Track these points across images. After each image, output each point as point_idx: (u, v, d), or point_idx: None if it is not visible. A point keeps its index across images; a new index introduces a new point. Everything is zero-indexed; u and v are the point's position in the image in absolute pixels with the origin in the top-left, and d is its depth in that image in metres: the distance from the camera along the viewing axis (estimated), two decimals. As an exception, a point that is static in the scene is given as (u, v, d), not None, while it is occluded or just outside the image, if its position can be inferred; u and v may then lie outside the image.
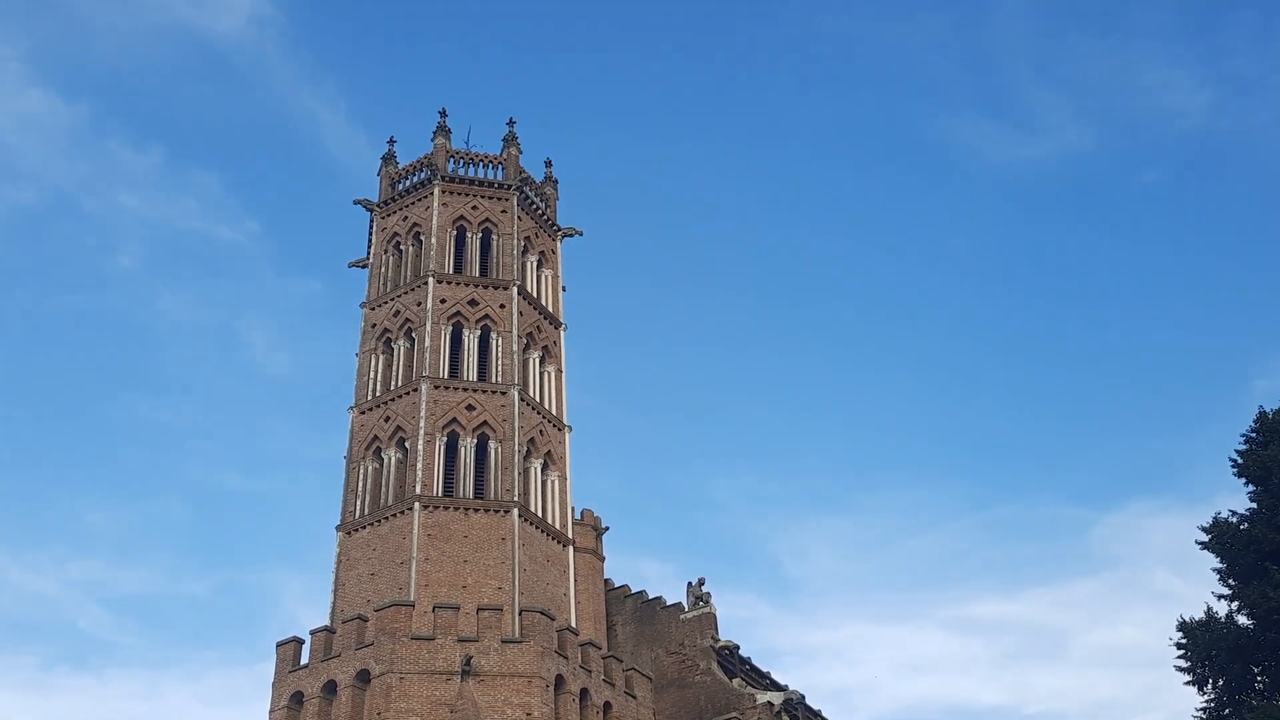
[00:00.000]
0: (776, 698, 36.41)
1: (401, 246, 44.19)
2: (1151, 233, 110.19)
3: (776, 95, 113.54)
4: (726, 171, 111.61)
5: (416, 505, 36.36)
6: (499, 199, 44.59)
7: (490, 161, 45.56)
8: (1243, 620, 28.73)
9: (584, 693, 33.76)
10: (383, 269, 43.99)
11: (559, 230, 46.75)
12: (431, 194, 44.30)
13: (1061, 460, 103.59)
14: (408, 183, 45.55)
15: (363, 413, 40.21)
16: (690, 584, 39.92)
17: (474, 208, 44.24)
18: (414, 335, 41.15)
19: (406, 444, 38.51)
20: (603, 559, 41.69)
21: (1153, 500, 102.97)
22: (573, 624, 36.80)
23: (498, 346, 40.84)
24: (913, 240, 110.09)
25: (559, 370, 42.92)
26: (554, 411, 41.62)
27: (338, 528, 38.00)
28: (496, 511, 36.83)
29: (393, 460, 38.70)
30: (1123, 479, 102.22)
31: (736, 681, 37.37)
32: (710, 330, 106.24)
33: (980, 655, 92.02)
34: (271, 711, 33.21)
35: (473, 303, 41.64)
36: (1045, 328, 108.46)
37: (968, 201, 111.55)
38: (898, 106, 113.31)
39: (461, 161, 45.34)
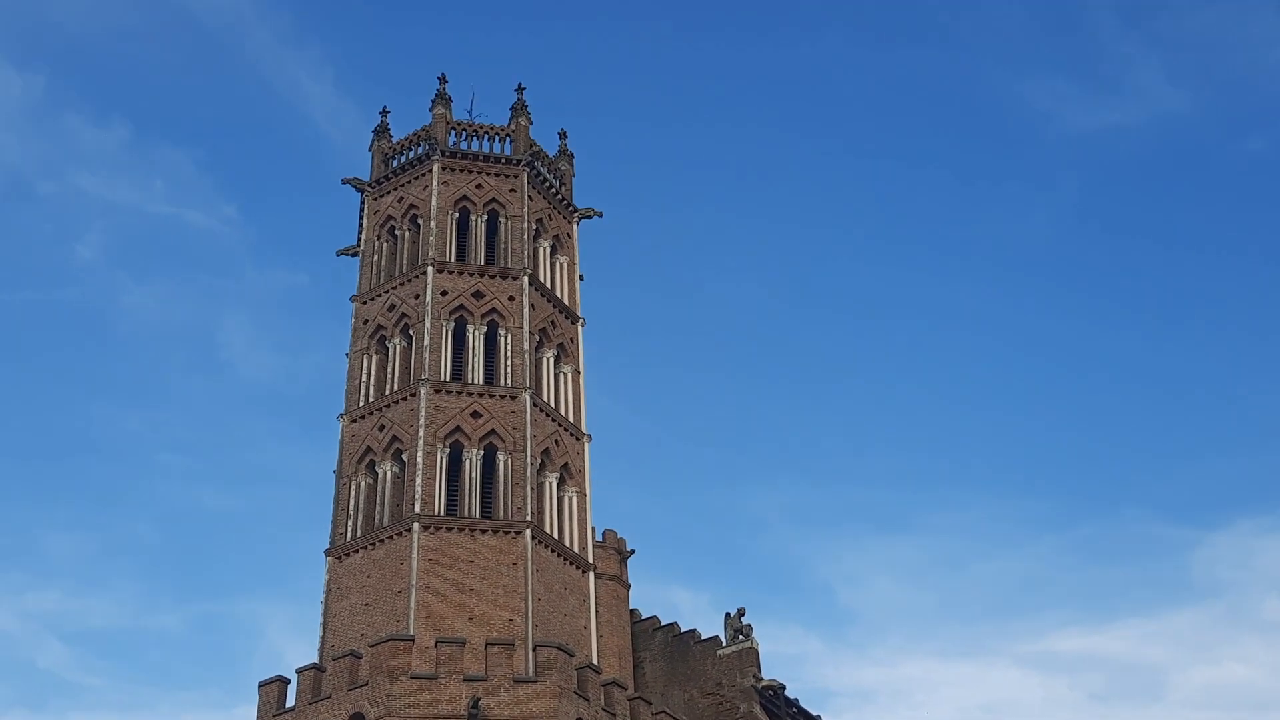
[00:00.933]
0: (828, 745, 36.28)
1: (396, 231, 44.39)
2: (1257, 209, 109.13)
3: (824, 53, 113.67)
4: (766, 144, 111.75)
5: (415, 526, 36.47)
6: (507, 176, 44.80)
7: (496, 134, 45.80)
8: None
9: (608, 739, 33.84)
10: (375, 257, 44.20)
11: (575, 211, 46.96)
12: (430, 171, 44.50)
13: (1158, 471, 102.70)
14: (403, 159, 45.82)
15: (354, 421, 40.41)
16: (728, 615, 39.93)
17: (478, 186, 44.45)
18: (411, 332, 41.29)
19: (404, 456, 38.64)
20: (628, 586, 41.90)
21: (1264, 518, 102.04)
22: (594, 660, 36.76)
23: (506, 345, 40.97)
24: (981, 220, 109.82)
25: (577, 371, 43.06)
26: (571, 418, 41.74)
27: (327, 552, 38.14)
28: (506, 533, 36.93)
29: (388, 475, 38.89)
30: (1229, 494, 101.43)
31: (782, 726, 37.37)
32: (750, 325, 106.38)
33: (1063, 697, 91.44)
34: (253, 760, 33.38)
35: (478, 295, 41.79)
36: (1136, 319, 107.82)
37: (1044, 174, 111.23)
38: (962, 67, 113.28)
39: (464, 134, 45.54)
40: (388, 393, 40.53)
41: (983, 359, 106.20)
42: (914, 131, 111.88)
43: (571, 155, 48.47)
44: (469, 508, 37.56)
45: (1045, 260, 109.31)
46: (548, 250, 44.93)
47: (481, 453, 38.69)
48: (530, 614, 35.54)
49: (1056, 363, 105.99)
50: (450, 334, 40.97)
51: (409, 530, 36.57)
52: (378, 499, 38.69)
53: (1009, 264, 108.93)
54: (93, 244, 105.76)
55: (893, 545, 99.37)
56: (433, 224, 43.09)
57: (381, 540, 37.13)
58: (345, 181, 46.30)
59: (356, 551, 37.50)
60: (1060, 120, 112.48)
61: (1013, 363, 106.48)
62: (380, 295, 42.87)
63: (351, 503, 38.82)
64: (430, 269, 41.90)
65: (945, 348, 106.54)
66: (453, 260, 42.66)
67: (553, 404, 41.41)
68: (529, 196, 44.66)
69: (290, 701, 33.33)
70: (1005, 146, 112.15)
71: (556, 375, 42.46)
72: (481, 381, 40.13)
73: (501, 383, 40.18)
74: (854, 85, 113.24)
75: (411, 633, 33.68)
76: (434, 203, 43.57)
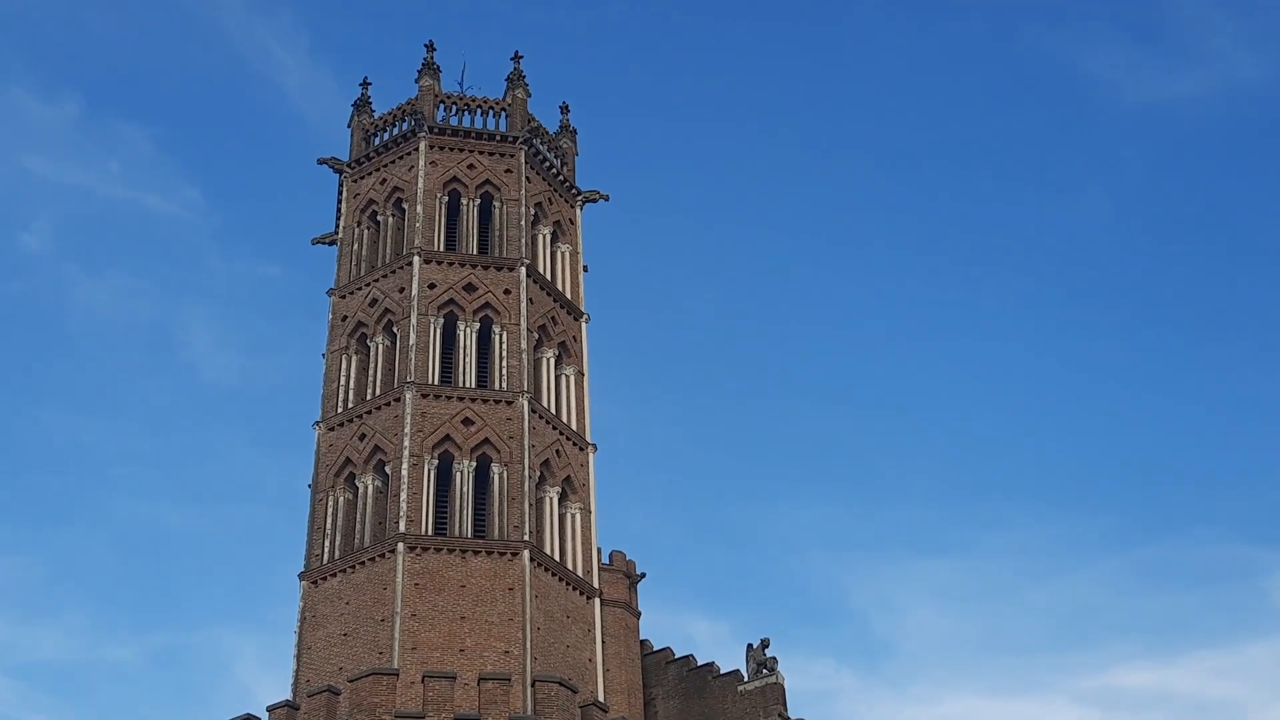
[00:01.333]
0: (862, 792, 35.76)
1: (379, 217, 44.09)
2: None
3: (860, 20, 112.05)
4: (794, 112, 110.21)
5: (400, 546, 36.28)
6: (502, 155, 44.55)
7: (490, 108, 45.58)
8: None
9: (616, 788, 33.84)
10: (355, 246, 43.98)
11: (579, 194, 46.70)
12: (416, 150, 44.23)
13: (1233, 486, 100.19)
14: (386, 136, 45.69)
15: (331, 429, 40.20)
16: (750, 647, 39.76)
17: (470, 166, 44.11)
18: (395, 330, 40.93)
19: (387, 468, 38.37)
20: (638, 614, 41.84)
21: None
22: (600, 697, 36.68)
23: (502, 343, 40.59)
24: (1034, 205, 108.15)
25: (580, 373, 42.76)
26: (574, 426, 41.44)
27: (301, 575, 37.97)
28: (502, 554, 36.70)
29: (370, 489, 38.59)
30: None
31: (811, 771, 36.75)
32: (776, 322, 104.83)
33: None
34: (219, 811, 32.82)
35: (470, 288, 41.40)
36: (1206, 309, 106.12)
37: (1106, 149, 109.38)
38: (1015, 31, 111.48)
39: (454, 108, 45.50)
40: (369, 397, 40.24)
41: (1036, 361, 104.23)
42: (959, 108, 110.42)
43: (574, 131, 48.24)
44: (460, 526, 37.35)
45: (1105, 249, 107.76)
46: (548, 238, 44.59)
47: (474, 464, 38.44)
48: (529, 645, 35.33)
49: (1119, 364, 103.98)
50: (439, 332, 40.66)
51: (393, 551, 36.41)
52: (358, 516, 38.52)
53: (1064, 254, 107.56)
54: (40, 232, 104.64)
55: (935, 568, 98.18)
56: (419, 208, 42.73)
57: (362, 562, 36.98)
58: (321, 161, 46.14)
59: (334, 575, 37.34)
60: (1122, 91, 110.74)
61: (1069, 365, 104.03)
62: (361, 288, 42.65)
63: (329, 521, 38.69)
64: (416, 259, 41.54)
65: (994, 348, 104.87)
66: (441, 249, 42.39)
67: (553, 410, 41.09)
68: (526, 178, 44.44)
69: (260, 744, 33.42)
70: (1060, 122, 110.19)
71: (558, 377, 42.16)
72: (474, 385, 39.88)
73: (496, 386, 39.88)
74: (891, 57, 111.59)
75: (396, 666, 33.70)
76: (420, 185, 43.31)
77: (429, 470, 37.84)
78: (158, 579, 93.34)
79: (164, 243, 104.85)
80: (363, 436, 39.20)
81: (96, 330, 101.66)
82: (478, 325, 40.87)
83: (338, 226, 45.16)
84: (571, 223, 45.88)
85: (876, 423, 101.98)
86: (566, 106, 48.51)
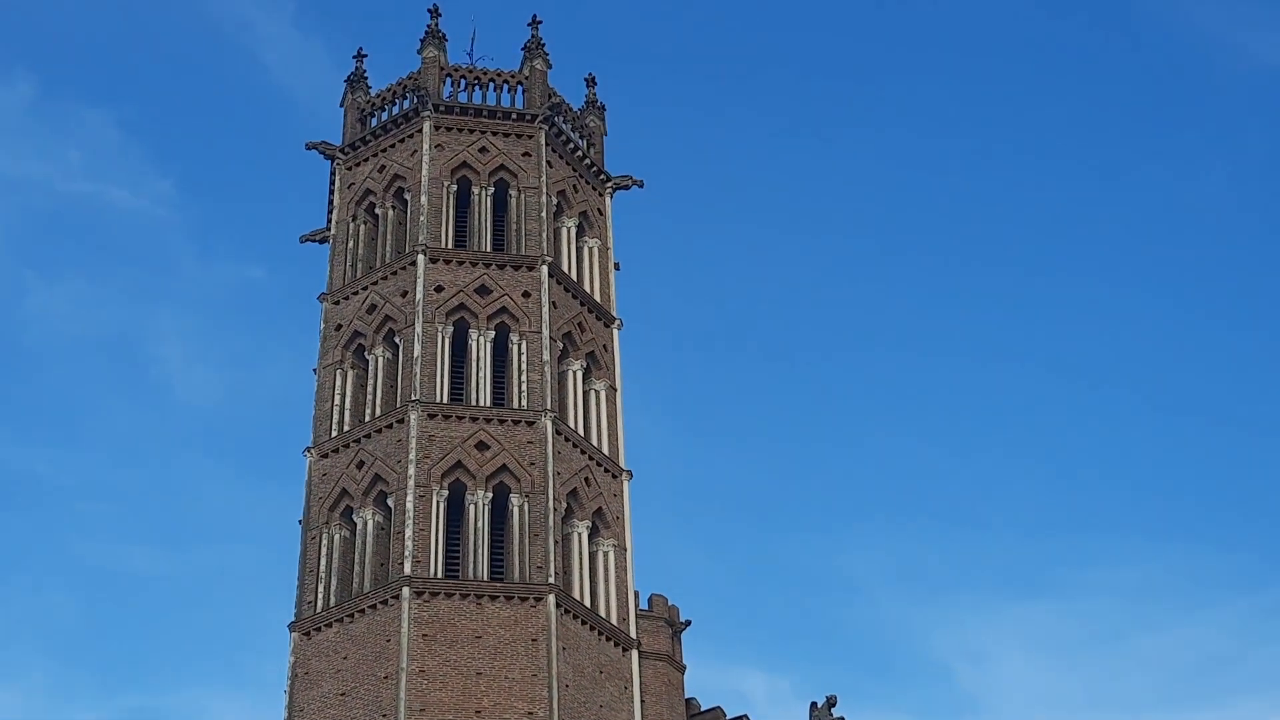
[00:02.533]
0: None
1: (378, 210, 44.49)
2: None
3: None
4: (862, 80, 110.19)
5: (406, 591, 36.40)
6: (519, 135, 44.89)
7: (505, 81, 46.06)
8: None
9: None
10: (350, 244, 44.33)
11: (608, 180, 47.09)
12: (419, 131, 44.58)
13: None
14: (385, 116, 46.02)
15: (325, 456, 40.50)
16: (814, 705, 39.96)
17: (482, 150, 44.48)
18: (398, 340, 41.32)
19: (390, 501, 38.66)
20: (682, 668, 41.84)
21: None
22: None
23: (521, 355, 40.93)
24: (1146, 183, 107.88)
25: (612, 388, 43.03)
26: (606, 450, 41.66)
27: (291, 626, 38.12)
28: (523, 599, 36.86)
29: (370, 525, 38.87)
30: None
31: None
32: (837, 328, 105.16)
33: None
34: None
35: (483, 290, 41.73)
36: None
37: (1226, 120, 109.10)
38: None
39: (463, 82, 45.90)
40: (368, 419, 40.53)
41: (1151, 367, 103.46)
42: (1047, 78, 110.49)
43: (602, 107, 48.53)
44: (475, 568, 37.49)
45: (1225, 241, 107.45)
46: (572, 231, 44.94)
47: (490, 496, 38.64)
48: (555, 705, 35.30)
49: (1242, 374, 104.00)
50: (448, 342, 40.96)
51: (397, 597, 36.49)
52: (356, 557, 38.68)
53: (1176, 248, 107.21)
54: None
55: (1029, 612, 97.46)
56: (424, 199, 43.12)
57: (362, 610, 37.08)
58: (310, 146, 46.46)
59: (330, 625, 37.40)
60: (1244, 53, 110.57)
61: (1182, 376, 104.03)
62: (357, 292, 42.97)
63: (323, 562, 38.80)
64: (421, 258, 41.91)
65: (1101, 353, 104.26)
66: (450, 246, 42.71)
67: (581, 431, 41.31)
68: (548, 162, 44.70)
69: (245, 823, 33.98)
70: (1174, 89, 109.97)
71: (586, 393, 42.41)
72: (489, 403, 40.12)
73: (515, 404, 40.16)
74: (970, 20, 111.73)
75: (402, 731, 34.03)
76: (425, 172, 43.65)
77: (438, 503, 38.00)
78: (127, 632, 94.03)
79: (132, 243, 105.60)
80: (361, 464, 39.36)
81: (55, 344, 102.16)
82: (493, 334, 41.11)
83: (330, 222, 45.47)
84: (600, 213, 46.13)
85: (958, 446, 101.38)
86: (593, 79, 48.85)
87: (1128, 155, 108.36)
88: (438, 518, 37.91)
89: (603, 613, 38.67)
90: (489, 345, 41.01)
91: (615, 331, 44.06)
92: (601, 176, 46.74)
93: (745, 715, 40.74)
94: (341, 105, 47.09)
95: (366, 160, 45.30)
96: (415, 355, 40.16)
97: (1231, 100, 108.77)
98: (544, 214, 43.39)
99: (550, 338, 41.21)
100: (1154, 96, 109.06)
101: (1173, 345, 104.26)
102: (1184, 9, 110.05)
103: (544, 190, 43.80)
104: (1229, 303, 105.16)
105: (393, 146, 44.91)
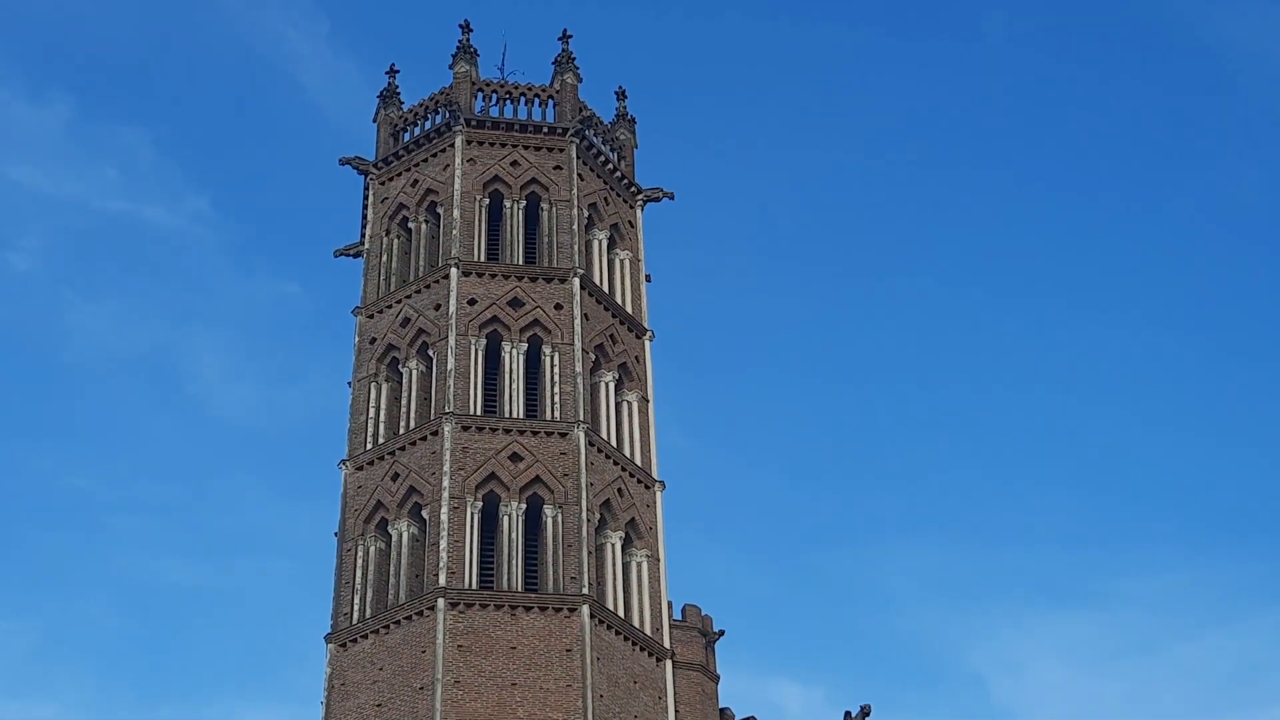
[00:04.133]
0: None
1: (410, 224, 44.67)
2: None
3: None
4: (882, 92, 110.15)
5: (441, 603, 36.49)
6: (550, 149, 45.01)
7: (536, 95, 46.19)
8: None
9: None
10: (384, 258, 44.50)
11: (639, 193, 47.12)
12: (451, 145, 44.75)
13: None
14: (417, 131, 46.21)
15: (360, 469, 40.67)
16: (849, 715, 40.58)
17: (514, 163, 44.63)
18: (431, 353, 41.47)
19: (424, 513, 38.75)
20: (716, 678, 42.00)
21: None
22: None
23: (553, 367, 41.01)
24: (1175, 183, 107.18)
25: (645, 399, 43.07)
26: (638, 461, 41.71)
27: (328, 638, 38.32)
28: (558, 610, 36.95)
29: (405, 537, 38.98)
30: None
31: None
32: (871, 336, 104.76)
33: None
34: None
35: (515, 303, 41.88)
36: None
37: (1249, 127, 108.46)
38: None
39: (494, 97, 45.99)
40: (402, 431, 40.67)
41: (1179, 377, 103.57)
42: (1075, 90, 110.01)
43: (633, 120, 48.57)
44: (509, 579, 37.55)
45: (1266, 231, 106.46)
46: (604, 244, 45.03)
47: (524, 507, 38.74)
48: (590, 715, 35.38)
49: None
50: (481, 354, 41.09)
51: (432, 608, 36.63)
52: (392, 569, 38.78)
53: (1215, 236, 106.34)
54: (29, 251, 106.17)
55: (1064, 621, 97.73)
56: (456, 213, 43.26)
57: (397, 621, 37.23)
58: (344, 162, 46.66)
59: (365, 637, 37.59)
60: (1270, 60, 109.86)
61: (1217, 381, 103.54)
62: (391, 306, 43.15)
63: (358, 574, 38.99)
64: (454, 271, 42.05)
65: (1135, 357, 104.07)
66: (483, 259, 42.85)
67: (614, 443, 41.33)
68: (579, 175, 44.82)
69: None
70: (1195, 93, 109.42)
71: (618, 404, 42.45)
72: (522, 415, 40.22)
73: (548, 416, 40.23)
74: (1000, 29, 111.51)
75: (437, 742, 34.14)
76: (457, 186, 43.80)
77: (472, 514, 38.10)
78: (166, 644, 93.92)
79: (169, 260, 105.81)
80: (396, 476, 39.50)
81: (93, 361, 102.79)
82: (525, 346, 41.21)
83: (363, 236, 45.61)
84: (631, 225, 46.16)
85: (991, 458, 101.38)
86: (623, 92, 48.83)
87: (1152, 165, 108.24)
88: (472, 529, 38.01)
89: (636, 623, 38.70)
90: (522, 357, 41.11)
91: (647, 343, 44.11)
92: (632, 189, 46.79)
93: (779, 725, 41.09)
94: (374, 120, 47.28)
95: (399, 175, 45.49)
96: (449, 368, 40.29)
97: (1252, 110, 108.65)
98: (575, 226, 43.46)
99: (582, 349, 41.26)
100: (1173, 104, 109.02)
101: (1206, 358, 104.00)
102: (1202, 20, 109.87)
103: (575, 203, 43.90)
104: (1262, 315, 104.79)
105: (425, 161, 45.08)
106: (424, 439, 39.70)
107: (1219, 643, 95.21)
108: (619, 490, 40.24)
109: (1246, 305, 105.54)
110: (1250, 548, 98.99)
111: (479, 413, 39.93)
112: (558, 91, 46.06)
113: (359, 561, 39.06)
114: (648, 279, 45.71)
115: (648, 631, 38.76)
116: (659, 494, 41.41)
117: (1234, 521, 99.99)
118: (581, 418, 39.96)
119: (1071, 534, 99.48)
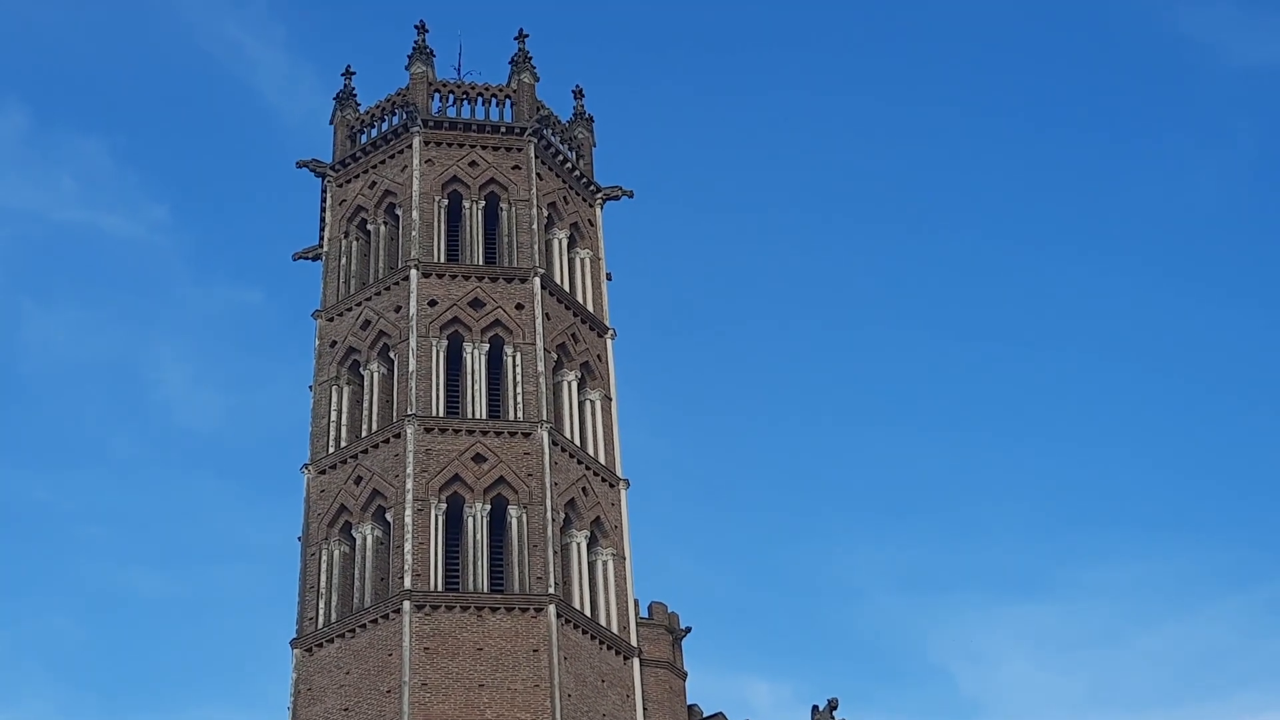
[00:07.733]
0: None
1: (369, 225, 44.60)
2: None
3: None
4: (853, 86, 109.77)
5: (406, 605, 36.50)
6: (508, 149, 44.99)
7: (493, 95, 46.14)
8: None
9: None
10: (343, 260, 44.44)
11: (599, 191, 47.19)
12: (409, 146, 44.68)
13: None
14: (374, 132, 46.16)
15: (323, 472, 40.61)
16: (816, 709, 40.16)
17: (472, 164, 44.59)
18: (392, 355, 41.41)
19: (388, 515, 38.70)
20: (684, 675, 41.78)
21: None
22: None
23: (515, 367, 41.04)
24: (1137, 185, 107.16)
25: (608, 397, 43.10)
26: (602, 459, 41.74)
27: (293, 642, 38.28)
28: (524, 610, 36.97)
29: (369, 540, 38.96)
30: None
31: None
32: (831, 332, 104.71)
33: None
34: None
35: (476, 303, 41.86)
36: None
37: (1212, 123, 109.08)
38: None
39: (451, 97, 45.95)
40: (364, 434, 40.65)
41: (1143, 364, 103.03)
42: (1046, 83, 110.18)
43: (591, 119, 48.60)
44: (475, 580, 37.54)
45: (1220, 232, 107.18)
46: (564, 243, 45.08)
47: (488, 508, 38.69)
48: (558, 715, 35.47)
49: (1236, 371, 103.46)
50: (443, 355, 41.08)
51: (398, 611, 36.63)
52: (356, 572, 38.76)
53: (1174, 240, 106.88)
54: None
55: (1028, 613, 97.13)
56: (415, 214, 43.20)
57: (363, 625, 37.24)
58: (301, 165, 46.36)
59: (331, 641, 37.56)
60: (1228, 54, 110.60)
61: (1176, 373, 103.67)
62: (351, 309, 43.05)
63: (323, 578, 38.94)
64: (414, 272, 42.00)
65: (1094, 352, 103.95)
66: (442, 260, 42.85)
67: (578, 441, 41.38)
68: (537, 174, 44.83)
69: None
70: (1162, 91, 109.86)
71: (581, 404, 42.49)
72: (485, 415, 40.20)
73: (511, 416, 40.26)
74: (961, 23, 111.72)
75: (406, 745, 34.17)
76: (416, 187, 43.72)
77: (436, 516, 38.06)
78: (131, 653, 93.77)
79: (128, 269, 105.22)
80: (359, 479, 39.46)
81: (53, 371, 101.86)
82: (487, 346, 41.20)
83: (322, 239, 45.48)
84: (591, 224, 46.17)
85: (953, 446, 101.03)
86: (580, 90, 48.91)
87: (1110, 157, 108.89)
88: (436, 531, 37.99)
89: (603, 622, 38.77)
90: (484, 358, 41.10)
91: (609, 341, 44.15)
92: (591, 188, 46.86)
93: (748, 720, 41.15)
94: (331, 123, 47.14)
95: (357, 177, 45.40)
96: (410, 370, 40.25)
97: (1213, 100, 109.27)
98: (535, 226, 43.48)
99: (544, 349, 41.29)
100: (1141, 102, 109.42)
101: (1167, 341, 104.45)
102: (1165, 19, 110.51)
103: (535, 202, 43.91)
104: (1223, 297, 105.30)
105: (383, 163, 45.00)
106: (386, 441, 39.67)
107: (1183, 630, 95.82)
108: (583, 489, 40.28)
109: (1206, 293, 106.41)
110: (1211, 536, 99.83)
111: (441, 414, 39.90)
112: (515, 91, 46.05)
113: (323, 566, 39.04)
114: (608, 277, 45.80)
115: (615, 630, 38.83)
116: (623, 492, 41.46)
117: (1194, 511, 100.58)
118: (545, 417, 39.99)
119: (1035, 525, 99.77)
